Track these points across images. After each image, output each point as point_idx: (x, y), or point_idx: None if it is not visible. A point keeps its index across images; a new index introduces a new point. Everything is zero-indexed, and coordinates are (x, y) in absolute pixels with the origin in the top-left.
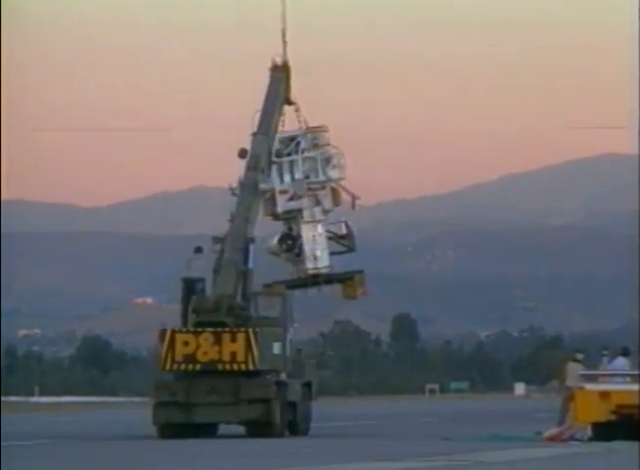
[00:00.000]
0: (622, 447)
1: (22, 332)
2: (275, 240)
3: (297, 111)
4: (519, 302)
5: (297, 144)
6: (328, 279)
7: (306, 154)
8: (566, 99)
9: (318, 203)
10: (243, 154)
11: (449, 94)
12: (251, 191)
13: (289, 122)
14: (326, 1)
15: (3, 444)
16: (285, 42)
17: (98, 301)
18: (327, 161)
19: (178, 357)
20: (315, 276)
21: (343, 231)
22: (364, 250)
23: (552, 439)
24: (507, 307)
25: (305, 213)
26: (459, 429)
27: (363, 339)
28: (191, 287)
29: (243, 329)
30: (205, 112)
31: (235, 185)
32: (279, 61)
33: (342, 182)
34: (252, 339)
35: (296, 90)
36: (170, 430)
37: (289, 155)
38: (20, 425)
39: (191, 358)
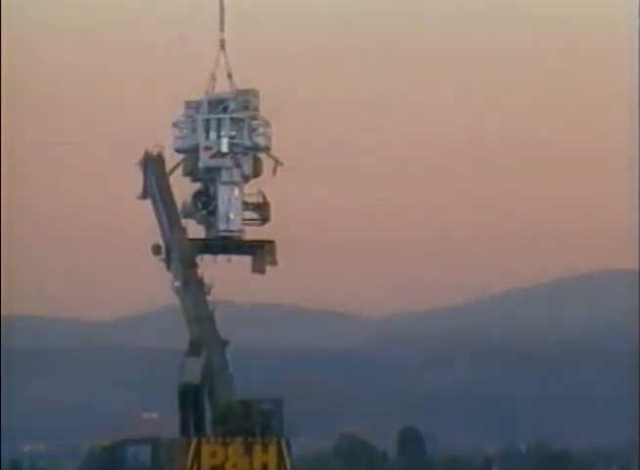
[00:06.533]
0: None
1: (27, 447)
2: (190, 198)
3: (229, 76)
4: (525, 417)
5: (225, 108)
6: (238, 245)
7: (235, 115)
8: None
9: (239, 166)
10: (156, 250)
11: (449, 189)
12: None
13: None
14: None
15: None
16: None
17: (104, 416)
18: (254, 128)
19: (205, 469)
20: (226, 238)
21: (260, 201)
22: (370, 363)
23: None
24: (513, 422)
25: (224, 174)
26: None
27: (370, 452)
28: (194, 395)
29: (274, 439)
30: None
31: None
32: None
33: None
34: (285, 450)
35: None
36: None
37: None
38: None
39: None
